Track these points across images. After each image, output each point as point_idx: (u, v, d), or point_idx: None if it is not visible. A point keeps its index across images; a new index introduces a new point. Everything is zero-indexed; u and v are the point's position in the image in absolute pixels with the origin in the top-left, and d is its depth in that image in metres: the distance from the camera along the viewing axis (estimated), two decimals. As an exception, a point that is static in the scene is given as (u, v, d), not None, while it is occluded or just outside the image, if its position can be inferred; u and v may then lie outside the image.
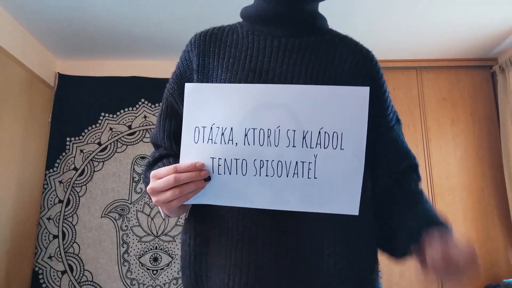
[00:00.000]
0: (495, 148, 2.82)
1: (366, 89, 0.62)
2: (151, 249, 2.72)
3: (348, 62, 0.77)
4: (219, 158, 0.63)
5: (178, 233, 2.74)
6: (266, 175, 0.63)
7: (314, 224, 0.72)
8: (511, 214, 2.65)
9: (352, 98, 0.62)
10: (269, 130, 0.62)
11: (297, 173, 0.63)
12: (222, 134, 0.63)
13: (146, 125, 2.89)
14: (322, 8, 0.83)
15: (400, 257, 0.76)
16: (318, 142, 0.62)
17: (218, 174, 0.64)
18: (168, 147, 0.80)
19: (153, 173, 0.65)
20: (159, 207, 0.69)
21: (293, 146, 0.62)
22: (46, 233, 2.68)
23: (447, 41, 2.71)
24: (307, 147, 0.62)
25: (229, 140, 0.63)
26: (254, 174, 0.63)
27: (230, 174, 0.63)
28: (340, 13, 2.34)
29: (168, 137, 0.80)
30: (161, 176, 0.63)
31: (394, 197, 0.80)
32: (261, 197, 0.64)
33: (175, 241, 2.73)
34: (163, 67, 2.89)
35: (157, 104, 2.92)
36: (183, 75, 0.80)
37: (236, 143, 0.63)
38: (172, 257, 2.71)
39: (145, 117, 2.90)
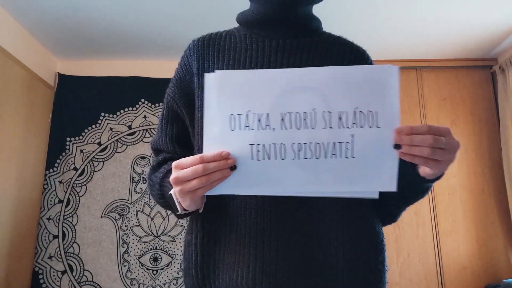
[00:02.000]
0: (495, 148, 2.82)
1: (396, 67, 0.63)
2: (151, 249, 2.72)
3: (345, 59, 0.80)
4: (257, 144, 0.64)
5: (178, 233, 2.75)
6: (305, 158, 0.63)
7: (321, 217, 0.73)
8: (511, 214, 2.66)
9: (382, 76, 0.63)
10: (304, 114, 0.63)
11: (335, 154, 0.63)
12: (259, 120, 0.63)
13: (146, 125, 2.89)
14: (322, 8, 0.83)
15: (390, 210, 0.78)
16: (354, 122, 0.63)
17: (258, 160, 0.64)
18: (171, 151, 0.80)
19: (175, 163, 0.65)
20: (178, 199, 0.69)
21: (330, 128, 0.63)
22: (46, 233, 2.68)
23: (447, 41, 2.71)
24: (343, 127, 0.63)
25: (266, 125, 0.63)
26: (293, 158, 0.63)
27: (269, 159, 0.64)
28: (340, 13, 2.34)
29: (171, 141, 0.81)
30: (186, 165, 0.63)
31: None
32: (296, 180, 0.64)
33: (175, 241, 2.73)
34: (163, 67, 2.89)
35: (157, 104, 2.92)
36: (183, 80, 0.81)
37: (274, 128, 0.63)
38: (172, 257, 2.71)
39: (145, 117, 2.90)
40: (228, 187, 0.65)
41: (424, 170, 0.67)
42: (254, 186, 0.65)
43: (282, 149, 0.64)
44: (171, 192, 0.69)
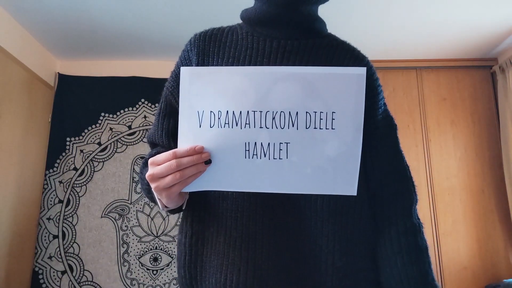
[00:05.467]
0: (495, 148, 2.82)
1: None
2: (151, 249, 2.72)
3: (345, 66, 0.78)
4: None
5: (178, 233, 2.74)
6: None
7: (313, 222, 0.72)
8: (511, 214, 2.65)
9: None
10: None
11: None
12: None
13: (146, 125, 2.89)
14: (322, 8, 0.83)
15: None
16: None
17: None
18: (166, 145, 0.79)
19: (151, 160, 0.64)
20: (157, 197, 0.69)
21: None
22: (46, 233, 2.68)
23: (447, 41, 2.71)
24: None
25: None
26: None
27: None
28: (341, 13, 2.34)
29: (166, 135, 0.80)
30: (161, 162, 0.62)
31: (391, 244, 0.75)
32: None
33: (175, 241, 2.73)
34: (163, 67, 2.89)
35: (157, 104, 2.91)
36: None
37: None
38: (172, 257, 2.71)
39: (145, 117, 2.90)
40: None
41: None
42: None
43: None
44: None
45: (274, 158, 0.64)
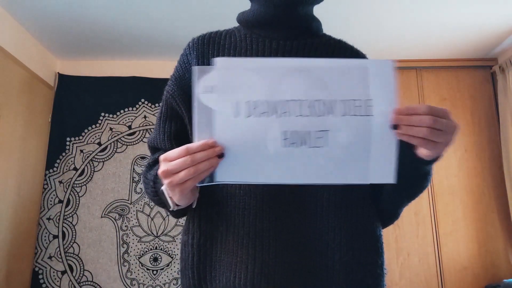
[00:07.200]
0: (495, 148, 2.82)
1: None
2: (151, 249, 2.72)
3: None
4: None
5: (178, 233, 2.75)
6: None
7: (319, 217, 0.73)
8: (511, 214, 2.66)
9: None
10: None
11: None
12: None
13: (146, 125, 2.89)
14: (322, 8, 0.83)
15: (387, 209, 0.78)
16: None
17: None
18: (169, 149, 0.79)
19: (163, 156, 0.64)
20: (168, 195, 0.68)
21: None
22: (46, 233, 2.68)
23: (447, 41, 2.71)
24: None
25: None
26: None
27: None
28: (341, 13, 2.34)
29: (169, 138, 0.80)
30: (173, 158, 0.62)
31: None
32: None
33: (175, 241, 2.73)
34: (163, 67, 2.89)
35: (157, 104, 2.92)
36: (183, 78, 0.80)
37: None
38: (172, 257, 2.71)
39: (145, 117, 2.90)
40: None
41: (421, 152, 0.65)
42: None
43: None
44: (163, 188, 0.68)
45: (313, 147, 0.63)
